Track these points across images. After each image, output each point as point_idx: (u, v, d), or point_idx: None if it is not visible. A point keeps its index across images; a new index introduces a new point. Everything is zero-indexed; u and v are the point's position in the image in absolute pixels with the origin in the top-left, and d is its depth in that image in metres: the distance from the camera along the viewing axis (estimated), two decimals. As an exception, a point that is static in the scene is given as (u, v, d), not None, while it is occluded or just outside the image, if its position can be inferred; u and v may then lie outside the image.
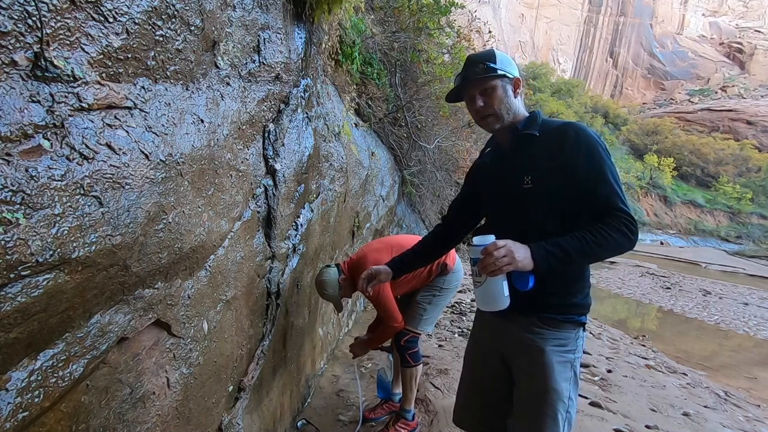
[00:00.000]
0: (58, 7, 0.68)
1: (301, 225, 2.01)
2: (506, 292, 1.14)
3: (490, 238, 1.11)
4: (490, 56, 1.25)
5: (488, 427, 1.38)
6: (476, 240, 1.14)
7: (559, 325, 1.22)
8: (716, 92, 54.60)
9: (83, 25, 0.73)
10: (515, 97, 1.26)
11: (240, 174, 1.36)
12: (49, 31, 0.67)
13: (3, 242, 0.61)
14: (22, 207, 0.63)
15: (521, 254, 1.06)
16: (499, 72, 1.22)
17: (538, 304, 1.22)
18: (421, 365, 2.28)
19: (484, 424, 1.39)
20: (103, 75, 0.78)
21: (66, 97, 0.71)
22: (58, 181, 0.69)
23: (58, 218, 0.69)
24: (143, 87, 0.89)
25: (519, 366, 1.27)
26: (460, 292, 6.00)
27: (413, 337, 2.20)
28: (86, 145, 0.74)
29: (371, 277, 1.59)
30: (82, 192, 0.73)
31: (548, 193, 1.19)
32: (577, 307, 1.24)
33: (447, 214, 1.59)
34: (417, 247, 1.63)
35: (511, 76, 1.25)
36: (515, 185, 1.23)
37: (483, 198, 1.43)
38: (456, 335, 4.01)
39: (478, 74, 1.23)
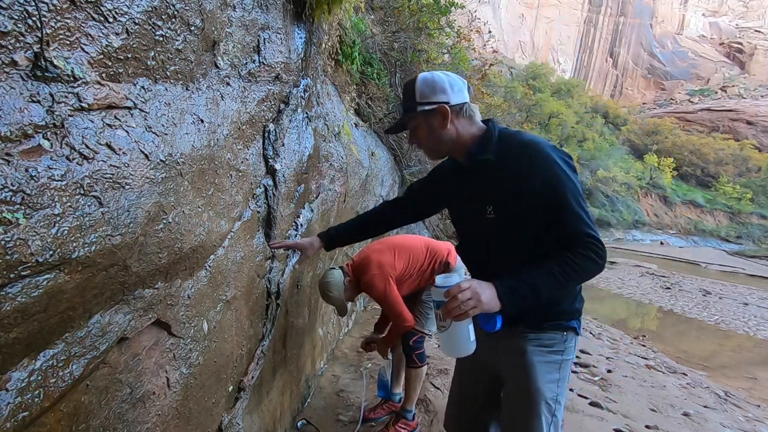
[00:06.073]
0: (58, 7, 0.68)
1: (301, 225, 2.01)
2: (472, 337, 1.09)
3: (454, 279, 1.06)
4: (408, 92, 1.19)
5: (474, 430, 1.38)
6: (439, 281, 1.07)
7: (544, 329, 1.20)
8: (716, 92, 54.58)
9: (83, 25, 0.73)
10: (446, 127, 1.17)
11: (240, 174, 1.36)
12: (49, 31, 0.67)
13: (3, 242, 0.61)
14: (22, 207, 0.63)
15: (487, 295, 1.01)
16: (418, 109, 1.16)
17: (522, 318, 1.17)
18: (426, 366, 2.28)
19: (468, 429, 1.39)
20: (103, 75, 0.78)
21: (66, 97, 0.71)
22: (58, 181, 0.69)
23: (58, 218, 0.69)
24: (143, 87, 0.89)
25: (504, 369, 1.26)
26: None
27: (421, 337, 2.21)
28: (86, 145, 0.74)
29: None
30: (82, 192, 0.73)
31: (512, 224, 1.14)
32: (563, 314, 1.20)
33: (403, 199, 1.57)
34: (360, 222, 1.66)
35: (433, 108, 1.15)
36: (479, 214, 1.18)
37: (449, 211, 1.41)
38: (456, 335, 4.00)
39: (400, 115, 1.23)
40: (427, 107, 1.16)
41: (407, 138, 1.31)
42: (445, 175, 1.39)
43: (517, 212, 1.13)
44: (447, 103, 1.16)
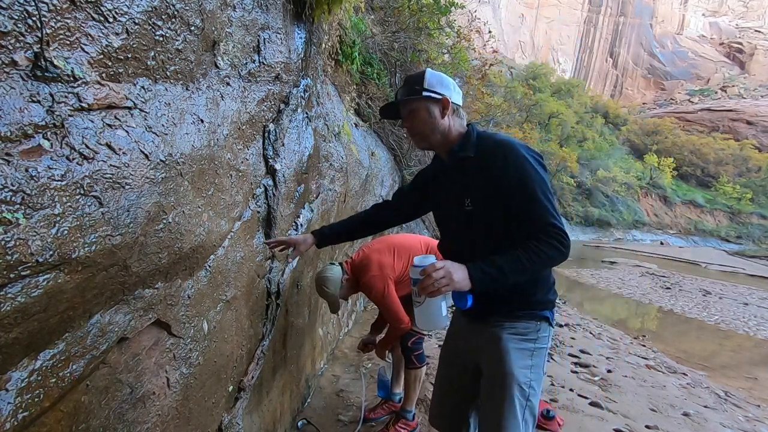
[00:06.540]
0: (58, 7, 0.68)
1: (301, 225, 2.01)
2: (444, 312, 1.19)
3: (430, 259, 1.15)
4: (417, 78, 1.28)
5: (457, 421, 1.42)
6: (416, 260, 1.17)
7: (518, 318, 1.28)
8: (716, 92, 54.58)
9: (83, 25, 0.73)
10: (443, 117, 1.28)
11: (240, 174, 1.36)
12: (49, 31, 0.67)
13: (3, 242, 0.61)
14: (22, 207, 0.63)
15: (459, 275, 1.09)
16: (424, 94, 1.25)
17: (496, 309, 1.28)
18: (425, 366, 2.27)
19: (451, 418, 1.44)
20: (103, 75, 0.78)
21: (66, 97, 0.71)
22: (58, 181, 0.69)
23: (58, 218, 0.69)
24: (143, 87, 0.89)
25: (481, 358, 1.33)
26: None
27: (420, 338, 2.21)
28: (86, 145, 0.74)
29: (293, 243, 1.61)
30: (82, 192, 0.73)
31: (487, 216, 1.25)
32: (537, 303, 1.29)
33: (394, 201, 1.64)
34: (354, 222, 1.69)
35: (437, 97, 1.26)
36: (458, 206, 1.29)
37: (433, 210, 1.50)
38: (456, 335, 4.00)
39: (403, 96, 1.29)
40: (432, 94, 1.26)
41: (401, 123, 1.35)
42: (431, 175, 1.49)
43: (492, 206, 1.23)
44: (449, 97, 1.28)
